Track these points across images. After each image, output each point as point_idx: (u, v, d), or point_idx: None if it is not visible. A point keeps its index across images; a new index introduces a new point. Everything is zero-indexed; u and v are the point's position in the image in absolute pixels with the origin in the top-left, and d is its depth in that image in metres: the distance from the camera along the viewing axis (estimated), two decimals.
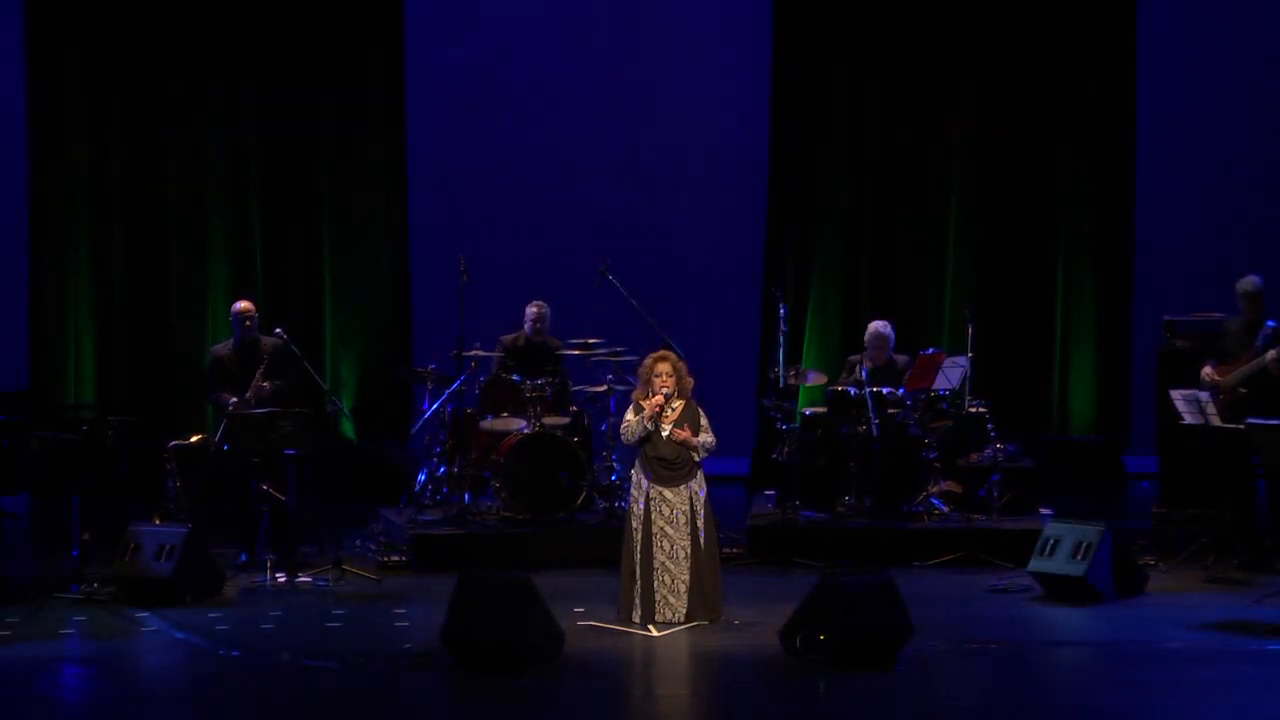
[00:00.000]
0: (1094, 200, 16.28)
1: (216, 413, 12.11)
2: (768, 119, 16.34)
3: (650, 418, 10.09)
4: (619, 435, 11.66)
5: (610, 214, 16.70)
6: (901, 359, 13.17)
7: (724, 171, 16.90)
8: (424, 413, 13.05)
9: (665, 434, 10.14)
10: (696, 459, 10.22)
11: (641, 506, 10.15)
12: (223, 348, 12.20)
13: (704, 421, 10.25)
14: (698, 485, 10.21)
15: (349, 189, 16.15)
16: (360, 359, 16.13)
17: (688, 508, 10.15)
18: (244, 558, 11.92)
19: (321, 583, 11.44)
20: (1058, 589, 10.92)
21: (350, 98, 16.08)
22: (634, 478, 10.30)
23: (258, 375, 11.83)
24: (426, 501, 12.84)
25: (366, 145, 16.15)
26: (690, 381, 10.27)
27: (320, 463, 12.29)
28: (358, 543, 12.82)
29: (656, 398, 10.13)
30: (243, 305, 12.17)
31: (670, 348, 11.74)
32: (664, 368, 10.21)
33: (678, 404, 10.23)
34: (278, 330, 12.08)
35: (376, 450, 14.94)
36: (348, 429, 15.60)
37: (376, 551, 12.46)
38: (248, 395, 11.84)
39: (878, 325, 13.12)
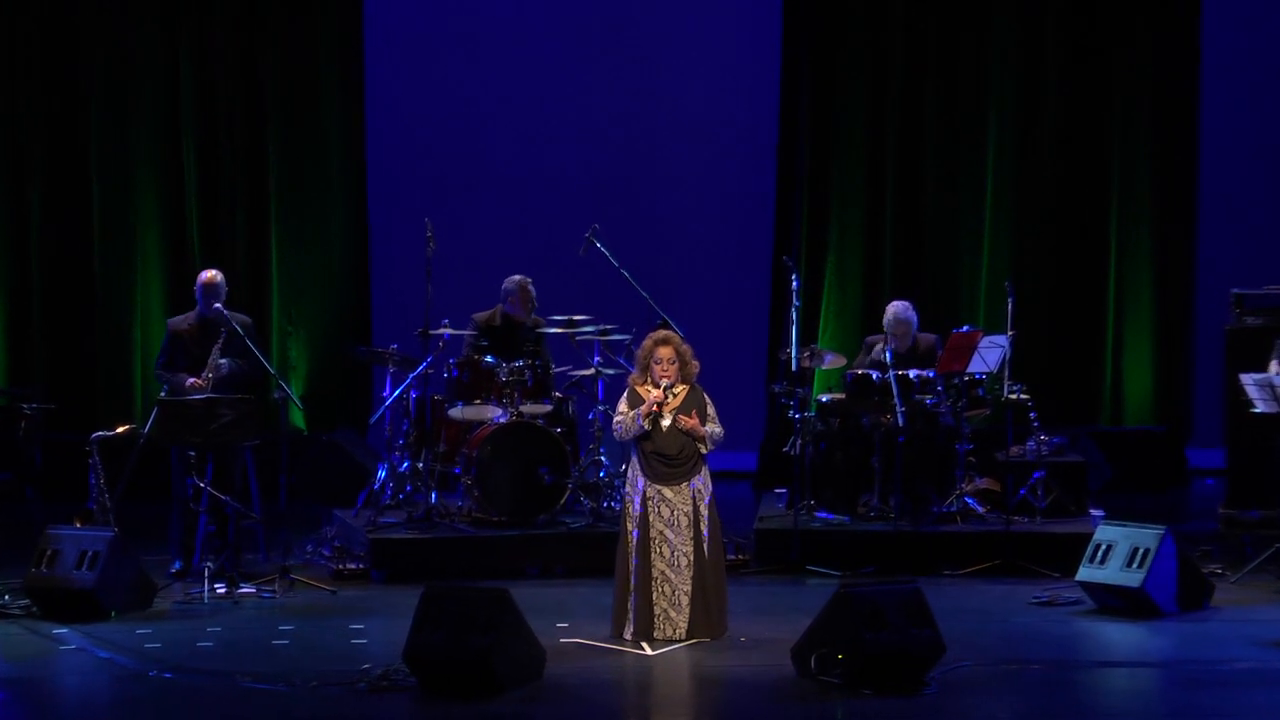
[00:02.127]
0: (1152, 157, 16.23)
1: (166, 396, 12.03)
2: (778, 65, 16.28)
3: (647, 415, 10.02)
4: (609, 427, 11.60)
5: (598, 173, 16.65)
6: (929, 339, 13.12)
7: (728, 124, 16.85)
8: (385, 400, 13.01)
9: (666, 423, 10.08)
10: (703, 451, 10.17)
11: (637, 507, 10.11)
12: (181, 321, 12.13)
13: (711, 410, 10.20)
14: (702, 484, 10.16)
15: (299, 145, 16.09)
16: (312, 338, 16.08)
17: (690, 509, 10.10)
18: (178, 566, 11.87)
19: (267, 594, 11.41)
20: (1110, 601, 10.90)
21: (301, 41, 16.01)
22: (629, 475, 10.26)
23: (214, 351, 11.77)
24: (387, 501, 12.80)
25: (320, 95, 16.09)
26: (695, 366, 10.22)
27: (266, 457, 12.25)
28: (309, 549, 12.78)
29: (655, 393, 10.06)
30: (210, 275, 12.10)
31: (669, 327, 11.70)
32: (665, 352, 10.15)
33: (680, 390, 10.17)
34: (216, 305, 12.03)
35: (330, 443, 14.90)
36: (297, 418, 15.54)
37: (330, 559, 12.43)
38: (204, 375, 11.79)
39: (898, 307, 13.05)
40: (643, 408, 10.06)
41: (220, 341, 11.77)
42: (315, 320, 16.15)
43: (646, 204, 16.66)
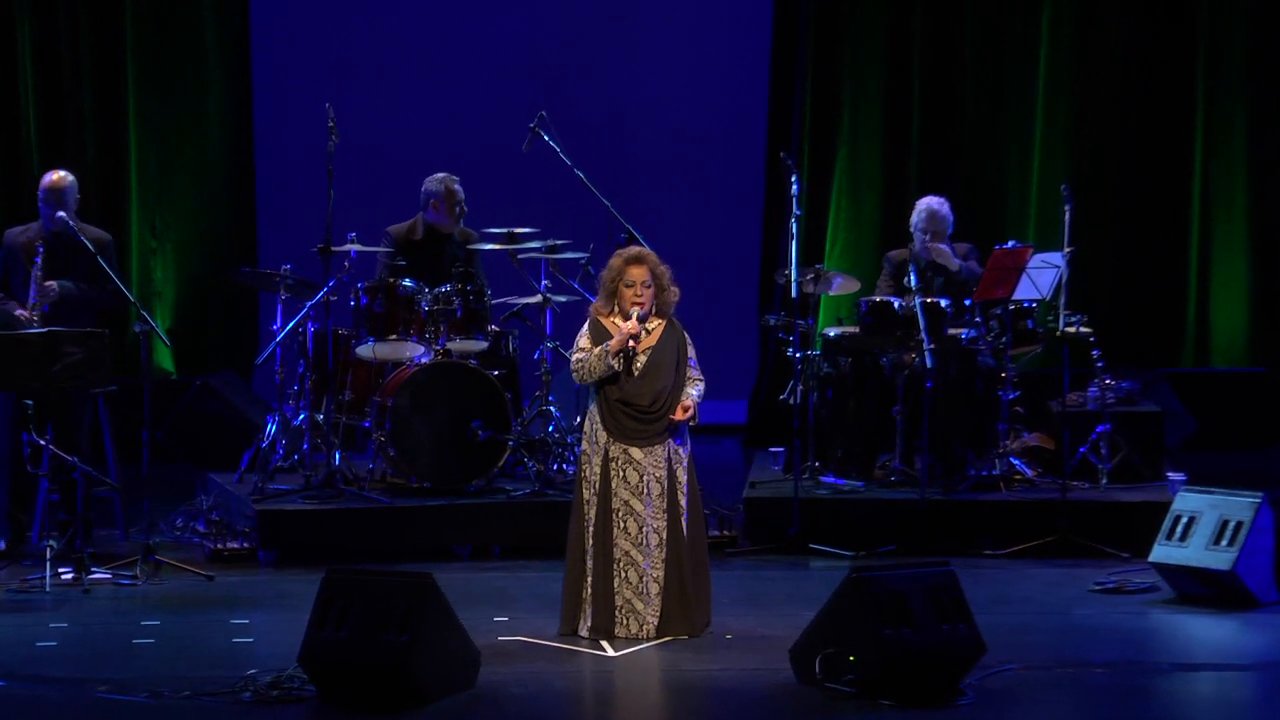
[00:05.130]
0: (1250, 24, 16.23)
1: None
2: None
3: (618, 352, 10.00)
4: (559, 369, 11.56)
5: (546, 47, 16.61)
6: (965, 248, 13.15)
7: None
8: (275, 335, 12.99)
9: (641, 364, 10.03)
10: (691, 420, 10.18)
11: (597, 471, 10.12)
12: (20, 234, 12.10)
13: (691, 352, 10.19)
14: (680, 442, 10.16)
15: (164, 12, 16.00)
16: (181, 256, 16.05)
17: (664, 474, 10.11)
18: (2, 545, 11.89)
19: (126, 581, 11.41)
20: (1193, 588, 10.97)
21: None
22: (586, 430, 10.27)
23: (35, 272, 11.76)
24: (279, 463, 12.81)
25: None
26: (674, 295, 10.19)
27: (124, 407, 12.21)
28: (179, 523, 12.81)
29: (629, 323, 10.03)
30: (56, 178, 12.07)
31: (637, 243, 11.69)
32: (638, 273, 10.12)
33: (654, 325, 10.16)
34: (60, 214, 12.00)
35: (206, 389, 14.89)
36: (164, 358, 15.50)
37: (206, 536, 12.44)
38: (30, 302, 11.77)
39: (931, 201, 13.16)
40: (613, 342, 10.03)
41: (39, 259, 11.75)
42: (185, 234, 16.11)
43: (606, 85, 16.62)
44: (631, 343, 10.02)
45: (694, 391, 10.13)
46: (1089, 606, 10.97)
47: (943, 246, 12.90)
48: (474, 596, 10.57)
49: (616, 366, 10.03)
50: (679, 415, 10.10)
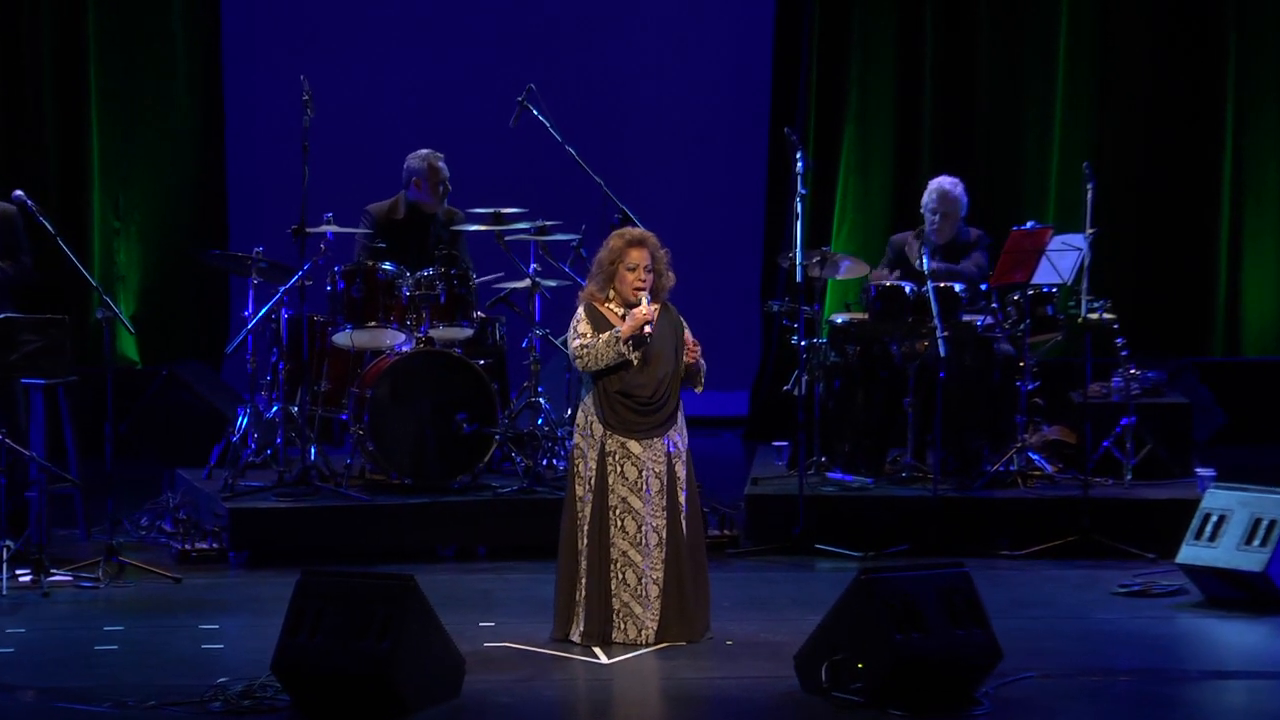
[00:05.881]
0: None
1: None
2: None
3: (629, 339, 9.94)
4: (550, 358, 11.56)
5: (534, 18, 16.59)
6: (975, 234, 13.15)
7: None
8: (246, 321, 12.99)
9: (639, 355, 10.02)
10: (696, 390, 10.16)
11: (593, 467, 10.10)
12: None
13: (688, 336, 10.18)
14: (679, 436, 10.17)
15: None
16: (147, 238, 16.05)
17: (663, 469, 10.09)
18: None
19: (87, 584, 11.40)
20: (1223, 591, 10.96)
21: None
22: (580, 422, 10.24)
23: None
24: (251, 458, 12.81)
25: None
26: (670, 279, 10.17)
27: (85, 398, 12.19)
28: (144, 522, 12.82)
29: (643, 310, 9.95)
30: None
31: (630, 223, 11.68)
32: (639, 255, 10.08)
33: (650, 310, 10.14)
34: (17, 193, 12.00)
35: (173, 379, 14.87)
36: (128, 346, 15.49)
37: (173, 535, 12.44)
38: None
39: (943, 182, 13.15)
40: (624, 327, 9.96)
41: None
42: (151, 214, 16.11)
43: (599, 56, 16.62)
44: (646, 329, 9.98)
45: (697, 350, 10.12)
46: (1112, 610, 10.97)
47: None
48: (458, 600, 10.56)
49: (628, 354, 10.00)
50: (689, 358, 10.06)
